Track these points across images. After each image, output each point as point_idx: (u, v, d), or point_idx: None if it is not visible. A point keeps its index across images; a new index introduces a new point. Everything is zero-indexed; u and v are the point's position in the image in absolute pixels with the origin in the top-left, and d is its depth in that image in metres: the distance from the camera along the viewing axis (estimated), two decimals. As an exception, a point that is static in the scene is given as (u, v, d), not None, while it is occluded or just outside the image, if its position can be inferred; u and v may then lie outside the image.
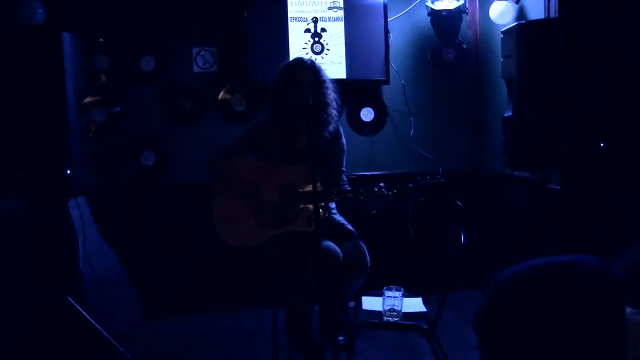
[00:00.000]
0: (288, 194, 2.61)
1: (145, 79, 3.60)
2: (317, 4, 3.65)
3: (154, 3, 3.58)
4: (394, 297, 2.47)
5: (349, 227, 2.78)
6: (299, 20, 3.64)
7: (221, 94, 3.69)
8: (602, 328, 0.96)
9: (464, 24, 3.91)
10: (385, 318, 2.47)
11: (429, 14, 3.83)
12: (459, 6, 3.79)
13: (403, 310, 2.49)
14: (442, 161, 3.82)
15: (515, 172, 3.12)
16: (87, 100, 3.51)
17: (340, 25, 3.67)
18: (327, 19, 3.66)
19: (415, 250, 3.56)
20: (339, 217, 2.84)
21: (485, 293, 1.07)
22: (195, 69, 3.65)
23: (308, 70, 2.68)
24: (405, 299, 2.51)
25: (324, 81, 2.73)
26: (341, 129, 2.89)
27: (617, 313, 0.98)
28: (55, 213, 2.67)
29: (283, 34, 3.62)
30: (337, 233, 2.71)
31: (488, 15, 3.56)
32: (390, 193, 2.53)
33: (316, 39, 3.66)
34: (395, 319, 2.46)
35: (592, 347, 0.95)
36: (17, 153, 2.30)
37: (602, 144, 2.54)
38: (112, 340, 2.54)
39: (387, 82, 3.74)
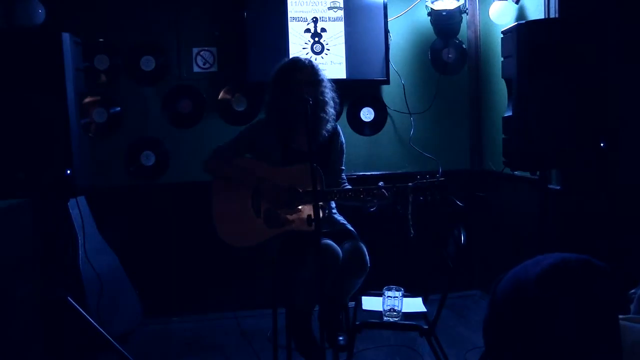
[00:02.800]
0: (287, 194, 2.61)
1: (145, 79, 3.60)
2: (317, 4, 3.65)
3: (154, 3, 3.59)
4: (394, 297, 2.47)
5: (349, 227, 2.78)
6: (299, 20, 3.64)
7: (221, 94, 3.69)
8: (598, 332, 0.96)
9: (464, 24, 3.91)
10: (385, 318, 2.47)
11: (429, 14, 3.83)
12: (459, 6, 3.79)
13: (403, 310, 2.48)
14: (442, 161, 3.83)
15: (515, 172, 3.12)
16: (87, 100, 3.53)
17: (340, 25, 3.67)
18: (327, 19, 3.66)
19: (415, 250, 3.56)
20: (338, 217, 2.84)
21: (489, 295, 1.07)
22: (195, 69, 3.65)
23: (306, 69, 2.69)
24: (405, 299, 2.50)
25: (322, 80, 2.73)
26: (339, 128, 2.89)
27: (613, 316, 0.98)
28: (55, 213, 2.66)
29: (283, 34, 3.62)
30: (337, 233, 2.71)
31: (488, 15, 3.57)
32: (390, 192, 2.53)
33: (316, 39, 3.66)
34: (395, 319, 2.46)
35: (588, 352, 0.94)
36: (17, 153, 2.30)
37: (602, 144, 2.54)
38: (112, 340, 2.54)
39: (387, 82, 3.74)
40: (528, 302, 0.97)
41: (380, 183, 2.56)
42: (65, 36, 2.31)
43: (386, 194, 2.52)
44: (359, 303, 2.64)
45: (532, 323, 0.96)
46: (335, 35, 3.67)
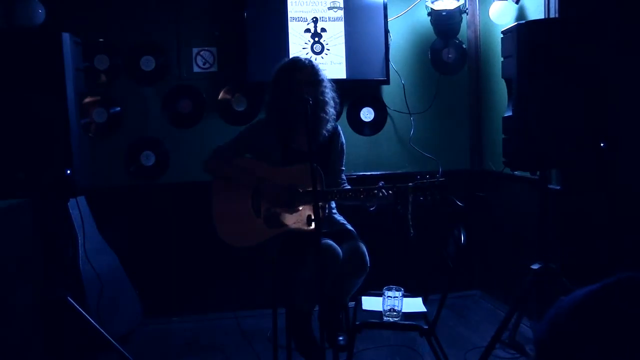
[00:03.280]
0: (287, 194, 2.61)
1: (145, 79, 3.60)
2: (317, 4, 3.65)
3: (154, 3, 3.59)
4: (394, 297, 2.47)
5: (349, 227, 2.78)
6: (299, 20, 3.64)
7: (221, 94, 3.69)
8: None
9: (464, 24, 3.91)
10: (385, 318, 2.47)
11: (429, 14, 3.83)
12: (459, 6, 3.79)
13: (403, 310, 2.48)
14: (442, 161, 3.83)
15: (515, 172, 3.12)
16: (87, 100, 3.53)
17: (340, 25, 3.67)
18: (327, 19, 3.66)
19: (415, 250, 3.56)
20: (339, 217, 2.84)
21: (547, 316, 1.06)
22: (195, 69, 3.65)
23: (306, 69, 2.69)
24: (405, 299, 2.50)
25: (322, 80, 2.73)
26: (340, 128, 2.89)
27: None
28: (55, 213, 2.66)
29: (283, 34, 3.62)
30: (337, 233, 2.71)
31: (488, 15, 3.56)
32: (390, 192, 2.53)
33: (316, 39, 3.66)
34: (395, 319, 2.46)
35: None
36: (17, 153, 2.30)
37: (602, 144, 2.54)
38: (112, 340, 2.54)
39: (387, 82, 3.74)
40: (560, 327, 0.98)
41: (381, 183, 2.56)
42: (65, 36, 2.31)
43: (386, 193, 2.52)
44: (359, 303, 2.64)
45: (563, 347, 0.96)
46: (335, 35, 3.67)
